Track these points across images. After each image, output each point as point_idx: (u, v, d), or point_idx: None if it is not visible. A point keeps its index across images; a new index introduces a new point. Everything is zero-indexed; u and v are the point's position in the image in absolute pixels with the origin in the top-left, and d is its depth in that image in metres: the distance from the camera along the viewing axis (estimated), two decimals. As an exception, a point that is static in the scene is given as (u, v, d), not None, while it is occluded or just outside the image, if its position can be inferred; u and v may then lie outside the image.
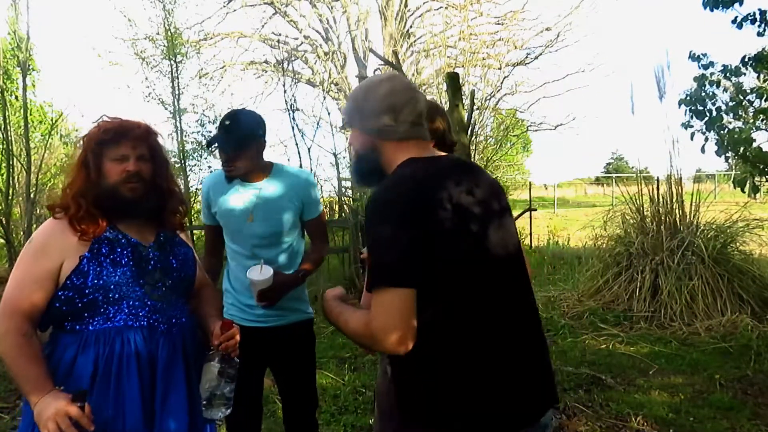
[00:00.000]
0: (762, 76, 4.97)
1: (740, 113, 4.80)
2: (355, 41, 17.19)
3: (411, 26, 17.81)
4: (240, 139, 2.08)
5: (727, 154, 4.70)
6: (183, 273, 1.70)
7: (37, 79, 12.19)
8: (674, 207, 5.70)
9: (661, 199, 5.78)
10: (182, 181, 9.39)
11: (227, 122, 2.09)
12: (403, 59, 15.71)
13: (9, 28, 7.95)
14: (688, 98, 4.73)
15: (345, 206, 8.61)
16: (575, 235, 9.84)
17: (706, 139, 4.65)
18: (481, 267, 1.31)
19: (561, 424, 3.23)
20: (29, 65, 8.73)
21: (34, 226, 6.93)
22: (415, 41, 17.81)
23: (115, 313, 1.53)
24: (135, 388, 1.51)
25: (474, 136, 10.55)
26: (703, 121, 4.65)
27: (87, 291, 1.51)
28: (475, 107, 9.75)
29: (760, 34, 4.42)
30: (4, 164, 7.86)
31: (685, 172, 9.15)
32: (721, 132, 4.53)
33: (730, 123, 4.73)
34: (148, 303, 1.57)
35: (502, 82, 13.83)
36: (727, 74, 4.65)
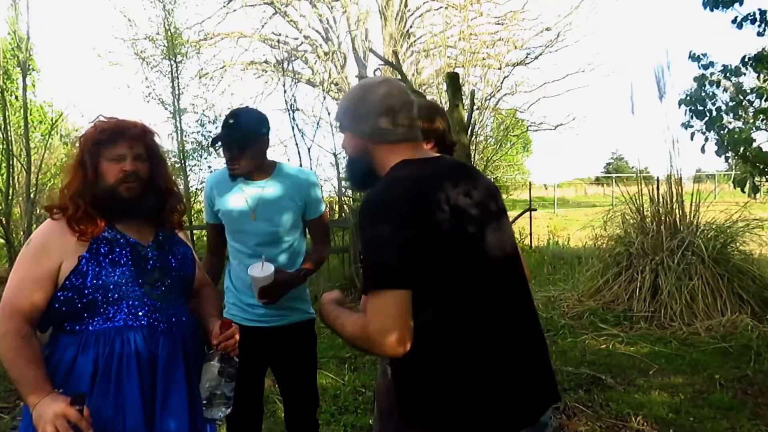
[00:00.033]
0: (762, 76, 4.97)
1: (740, 113, 4.80)
2: (355, 41, 17.19)
3: (411, 26, 17.81)
4: (244, 138, 2.09)
5: (727, 154, 4.70)
6: (182, 272, 1.70)
7: (37, 79, 12.20)
8: (674, 207, 5.70)
9: (661, 199, 5.78)
10: (182, 181, 9.40)
11: (231, 120, 2.10)
12: (403, 59, 15.71)
13: (9, 28, 7.96)
14: (688, 98, 4.73)
15: (345, 206, 8.61)
16: (575, 235, 9.84)
17: (706, 139, 4.65)
18: (480, 267, 1.31)
19: (561, 424, 3.24)
20: (29, 65, 8.73)
21: (34, 226, 6.93)
22: (415, 41, 17.81)
23: (115, 313, 1.53)
24: (135, 388, 1.51)
25: (474, 136, 10.55)
26: (703, 121, 4.65)
27: (86, 291, 1.51)
28: (475, 107, 9.74)
29: (760, 34, 4.42)
30: (4, 164, 7.86)
31: (685, 172, 9.15)
32: (721, 132, 4.53)
33: (730, 123, 4.73)
34: (148, 302, 1.57)
35: (502, 82, 13.84)
36: (727, 74, 4.65)
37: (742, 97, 4.74)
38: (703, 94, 4.68)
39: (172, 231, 1.74)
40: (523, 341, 1.35)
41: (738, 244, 5.60)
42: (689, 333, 4.81)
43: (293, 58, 15.63)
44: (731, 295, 5.07)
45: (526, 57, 16.38)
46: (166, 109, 9.63)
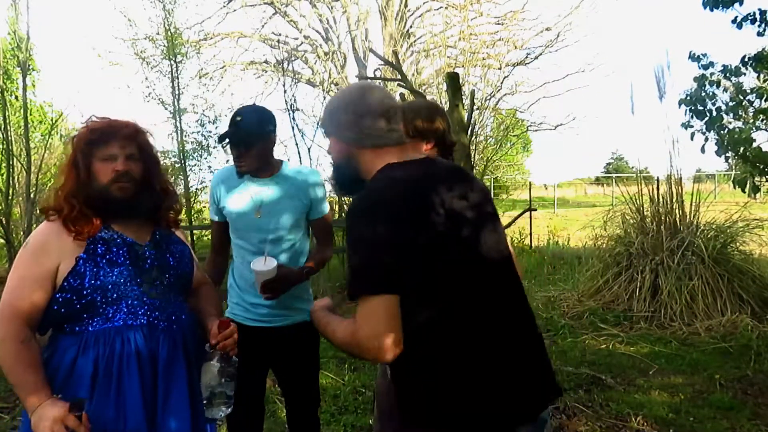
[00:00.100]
0: (762, 76, 4.97)
1: (740, 113, 4.79)
2: (355, 41, 17.21)
3: (411, 26, 17.82)
4: (250, 135, 2.10)
5: (727, 154, 4.70)
6: (180, 270, 1.69)
7: (37, 79, 12.20)
8: (674, 207, 5.70)
9: (661, 199, 5.78)
10: (182, 181, 9.39)
11: (238, 118, 2.11)
12: (403, 59, 15.71)
13: (9, 28, 7.95)
14: (688, 98, 4.73)
15: (345, 206, 8.61)
16: (575, 235, 9.84)
17: (706, 139, 4.65)
18: (477, 268, 1.32)
19: (561, 424, 3.24)
20: (29, 65, 8.73)
21: (34, 225, 6.92)
22: (415, 41, 17.82)
23: (114, 313, 1.53)
24: (136, 388, 1.51)
25: (474, 136, 10.55)
26: (703, 121, 4.65)
27: (85, 292, 1.50)
28: (475, 107, 9.75)
29: (760, 34, 4.42)
30: (4, 164, 7.85)
31: (685, 172, 9.18)
32: (721, 132, 4.53)
33: (730, 123, 4.73)
34: (147, 301, 1.57)
35: (502, 82, 13.85)
36: (727, 74, 4.64)
37: (742, 97, 4.74)
38: (703, 94, 4.67)
39: (170, 230, 1.74)
40: (520, 339, 1.36)
41: (738, 244, 5.60)
42: (689, 333, 4.81)
43: (293, 58, 15.64)
44: (731, 295, 5.07)
45: (526, 57, 16.41)
46: (166, 109, 9.64)
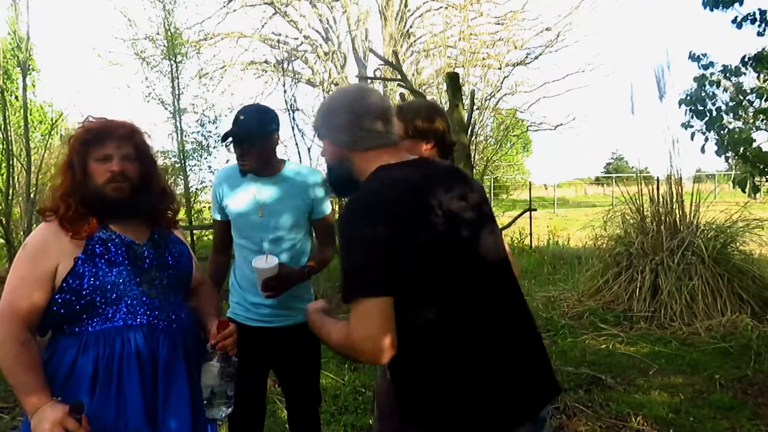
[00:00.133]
0: (762, 76, 4.97)
1: (740, 113, 4.79)
2: (355, 41, 17.20)
3: (411, 26, 17.82)
4: (253, 134, 2.10)
5: (727, 154, 4.70)
6: (179, 269, 1.69)
7: (37, 79, 12.20)
8: (674, 207, 5.70)
9: (661, 199, 5.78)
10: (182, 181, 9.39)
11: (241, 117, 2.11)
12: (403, 59, 15.71)
13: (9, 28, 7.94)
14: (688, 98, 4.73)
15: (345, 206, 8.60)
16: (575, 235, 9.84)
17: (706, 139, 4.65)
18: (476, 268, 1.32)
19: (561, 424, 3.24)
20: (29, 65, 8.72)
21: (34, 225, 6.92)
22: (415, 41, 17.81)
23: (114, 313, 1.53)
24: (136, 387, 1.51)
25: (474, 136, 10.54)
26: (703, 121, 4.65)
27: (84, 293, 1.50)
28: (475, 107, 9.74)
29: (760, 34, 4.42)
30: (4, 164, 7.85)
31: (685, 172, 9.17)
32: (721, 132, 4.53)
33: (730, 123, 4.73)
34: (146, 301, 1.57)
35: (502, 82, 13.85)
36: (727, 74, 4.64)
37: (742, 97, 4.74)
38: (703, 94, 4.67)
39: (168, 229, 1.73)
40: (519, 339, 1.36)
41: (738, 244, 5.60)
42: (689, 333, 4.81)
43: (293, 58, 15.65)
44: (731, 295, 5.07)
45: (526, 57, 16.40)
46: (166, 109, 9.64)
